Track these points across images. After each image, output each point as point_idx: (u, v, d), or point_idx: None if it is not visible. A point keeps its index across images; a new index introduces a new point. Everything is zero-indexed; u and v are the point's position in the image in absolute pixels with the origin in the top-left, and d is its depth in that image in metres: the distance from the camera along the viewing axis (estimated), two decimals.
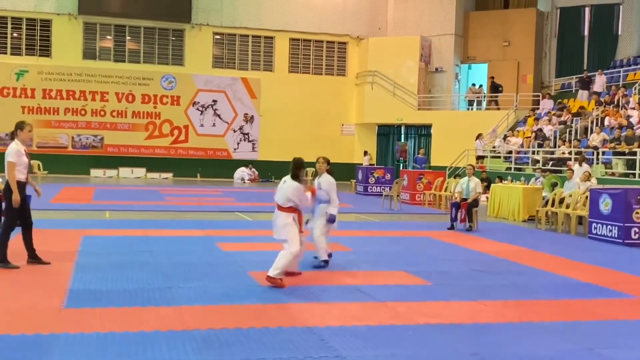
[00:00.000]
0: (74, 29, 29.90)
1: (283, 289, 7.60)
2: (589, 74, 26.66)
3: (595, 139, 20.99)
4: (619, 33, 29.35)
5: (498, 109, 29.49)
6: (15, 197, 8.18)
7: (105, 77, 30.13)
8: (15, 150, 8.32)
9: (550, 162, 21.58)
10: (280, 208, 8.10)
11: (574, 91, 28.57)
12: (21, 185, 8.37)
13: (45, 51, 29.81)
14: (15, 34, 29.61)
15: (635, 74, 25.67)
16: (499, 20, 31.73)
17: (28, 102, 29.36)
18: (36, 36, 29.68)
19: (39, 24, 29.62)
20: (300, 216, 8.17)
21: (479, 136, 26.40)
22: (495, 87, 30.49)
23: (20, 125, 8.48)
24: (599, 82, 26.12)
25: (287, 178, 8.20)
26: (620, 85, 24.88)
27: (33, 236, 8.82)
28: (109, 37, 30.73)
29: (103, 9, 29.89)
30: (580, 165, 18.49)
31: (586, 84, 26.21)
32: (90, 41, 30.38)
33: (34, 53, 29.72)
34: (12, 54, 29.53)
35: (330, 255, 9.34)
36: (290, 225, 7.98)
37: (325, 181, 9.25)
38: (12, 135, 8.53)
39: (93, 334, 5.57)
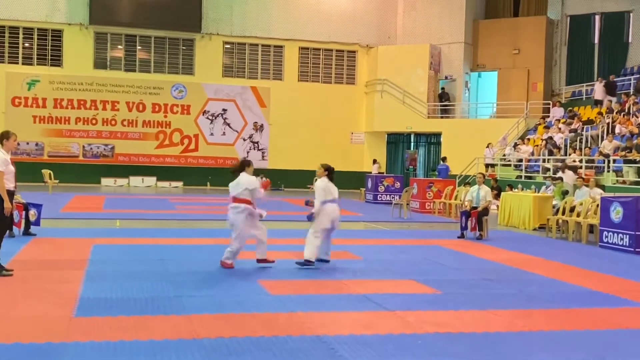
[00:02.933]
0: (85, 38, 30.11)
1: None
2: (615, 79, 26.30)
3: (607, 146, 20.90)
4: (630, 41, 29.24)
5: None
6: (7, 205, 8.25)
7: (116, 86, 30.31)
8: (2, 160, 8.38)
9: (561, 171, 21.48)
10: (236, 199, 9.18)
11: (584, 99, 28.49)
12: (10, 194, 8.44)
13: (57, 61, 30.02)
14: (26, 44, 29.84)
15: None
16: (508, 28, 31.69)
17: (39, 112, 29.56)
18: (47, 46, 29.89)
19: (50, 34, 29.84)
20: (254, 207, 9.23)
21: (488, 145, 26.35)
22: (440, 97, 30.73)
23: (6, 135, 8.59)
24: (599, 89, 26.00)
25: (241, 175, 9.33)
26: (631, 93, 24.77)
27: (44, 244, 8.90)
28: (119, 46, 30.92)
29: (114, 19, 30.10)
30: (564, 172, 18.63)
31: (613, 88, 25.79)
32: (101, 51, 30.59)
33: (46, 63, 29.93)
34: (23, 63, 29.75)
35: (309, 262, 9.67)
36: (241, 217, 9.21)
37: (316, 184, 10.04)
38: None
39: (103, 343, 5.59)
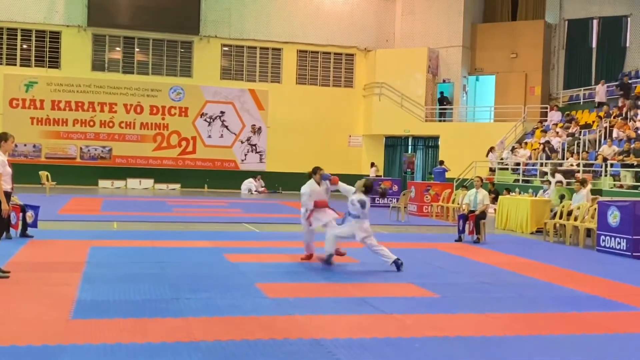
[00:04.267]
0: (83, 40, 30.11)
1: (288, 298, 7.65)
2: (630, 80, 26.02)
3: (606, 150, 20.92)
4: (627, 45, 29.31)
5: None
6: (5, 207, 8.26)
7: (114, 88, 30.30)
8: (0, 161, 8.39)
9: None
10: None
11: (582, 103, 28.54)
12: (7, 196, 8.45)
13: (55, 63, 30.00)
14: (24, 46, 29.82)
15: None
16: (506, 32, 31.75)
17: (37, 113, 29.54)
18: (45, 48, 29.89)
19: (48, 35, 29.83)
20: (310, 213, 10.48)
21: (491, 149, 26.34)
22: (440, 102, 30.86)
23: (4, 137, 8.62)
24: (601, 92, 25.95)
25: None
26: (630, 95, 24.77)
27: (41, 246, 8.89)
28: (117, 48, 30.92)
29: (112, 21, 30.08)
30: (553, 176, 18.98)
31: (627, 90, 25.34)
32: (99, 53, 30.58)
33: (44, 64, 29.92)
34: (21, 65, 29.74)
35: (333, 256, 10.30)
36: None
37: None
38: None
39: (100, 345, 5.57)
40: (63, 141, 29.88)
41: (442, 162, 26.92)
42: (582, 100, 28.76)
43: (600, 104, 25.86)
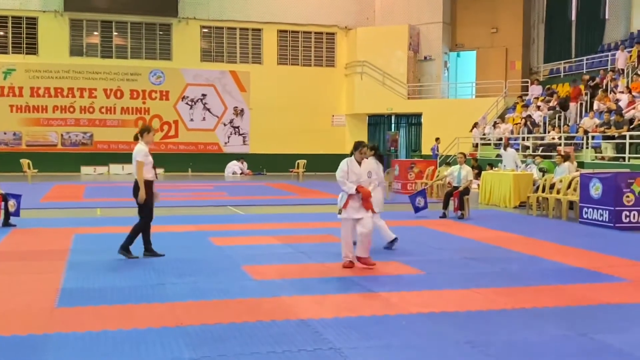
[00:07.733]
0: (60, 26, 29.73)
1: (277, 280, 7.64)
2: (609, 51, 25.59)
3: (587, 123, 21.02)
4: (606, 17, 29.33)
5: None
6: (142, 194, 8.91)
7: (93, 73, 29.99)
8: (143, 151, 9.02)
9: (540, 148, 21.66)
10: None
11: (562, 76, 28.61)
12: (149, 183, 9.08)
13: (32, 49, 29.63)
14: (1, 33, 29.41)
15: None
16: (486, 6, 31.70)
17: (16, 101, 29.21)
18: (22, 34, 29.49)
19: (25, 21, 29.43)
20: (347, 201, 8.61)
21: (475, 125, 26.38)
22: None
23: (147, 129, 9.25)
24: (622, 58, 25.50)
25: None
26: (609, 69, 24.85)
27: (25, 235, 8.86)
28: (95, 33, 30.57)
29: (89, 5, 29.73)
30: (505, 150, 19.59)
31: None
32: (76, 38, 30.23)
33: (21, 51, 29.53)
34: None
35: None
36: None
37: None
38: (137, 137, 9.28)
39: (86, 333, 5.55)
40: (43, 128, 29.59)
41: (437, 139, 26.97)
42: (562, 74, 28.84)
43: (621, 71, 25.23)
